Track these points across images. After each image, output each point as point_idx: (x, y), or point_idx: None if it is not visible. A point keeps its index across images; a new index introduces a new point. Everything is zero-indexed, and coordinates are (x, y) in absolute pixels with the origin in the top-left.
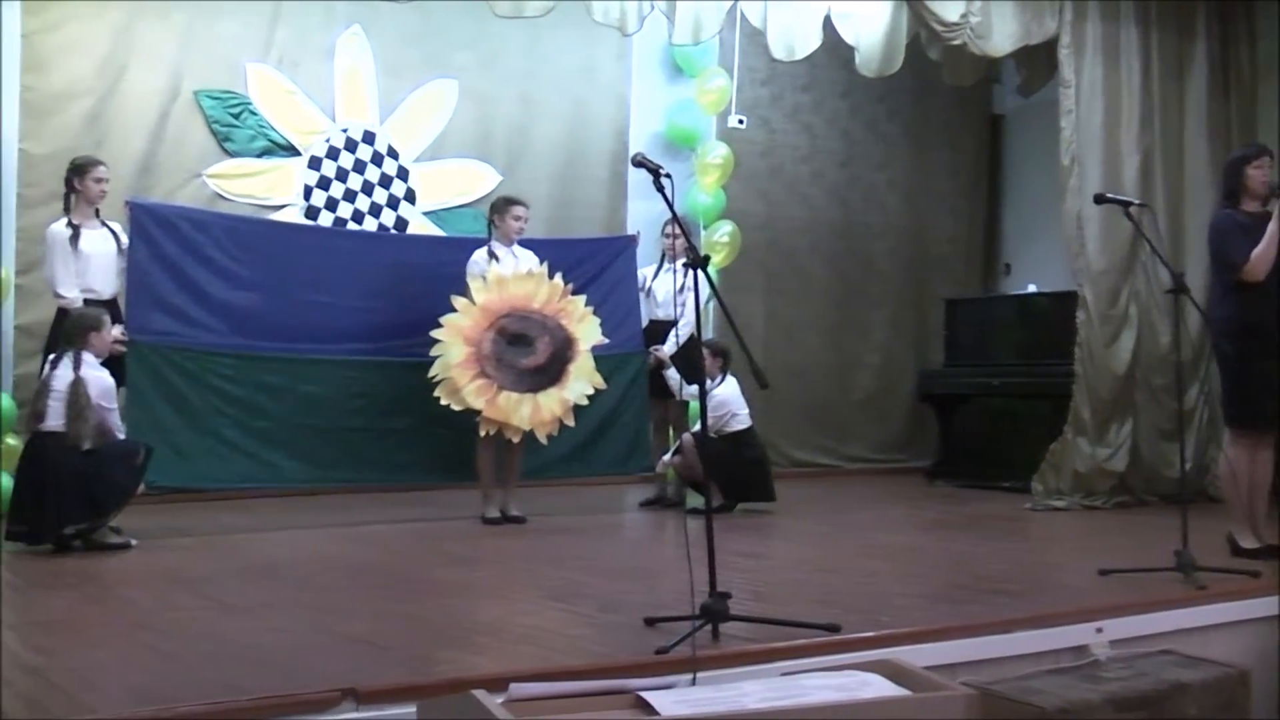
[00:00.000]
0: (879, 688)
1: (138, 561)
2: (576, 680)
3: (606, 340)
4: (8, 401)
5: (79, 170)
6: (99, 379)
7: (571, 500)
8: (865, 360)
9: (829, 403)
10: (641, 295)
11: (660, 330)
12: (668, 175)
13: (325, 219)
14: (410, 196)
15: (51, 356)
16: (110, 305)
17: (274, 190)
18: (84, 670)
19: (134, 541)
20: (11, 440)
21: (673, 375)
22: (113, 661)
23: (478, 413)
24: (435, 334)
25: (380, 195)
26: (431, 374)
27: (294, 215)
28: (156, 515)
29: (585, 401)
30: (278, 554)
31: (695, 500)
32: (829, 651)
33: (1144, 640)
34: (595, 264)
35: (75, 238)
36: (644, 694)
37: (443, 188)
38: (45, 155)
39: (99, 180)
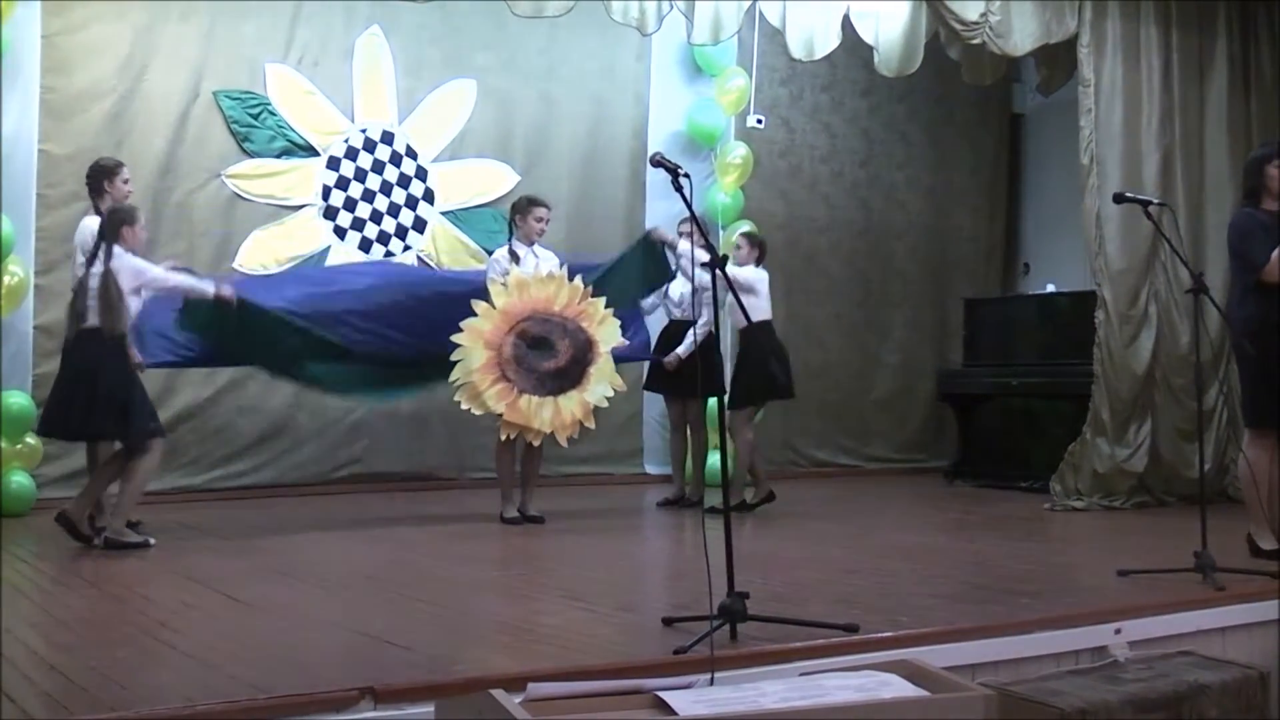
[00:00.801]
0: (898, 688)
1: (158, 560)
2: (594, 680)
3: (626, 342)
4: (26, 401)
5: (108, 172)
6: (129, 264)
7: (591, 500)
8: (885, 360)
9: (849, 403)
10: (657, 297)
11: (680, 331)
12: (686, 175)
13: (344, 219)
14: (429, 196)
15: (86, 257)
16: None
17: (293, 190)
18: (104, 668)
19: (153, 540)
20: (30, 439)
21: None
22: (133, 660)
23: (499, 416)
24: (456, 338)
25: (399, 195)
26: (452, 378)
27: (312, 215)
28: (176, 514)
29: (605, 404)
30: (297, 553)
31: (714, 499)
32: (847, 652)
33: (1163, 641)
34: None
35: None
36: (662, 694)
37: (462, 188)
38: (66, 156)
39: (126, 181)
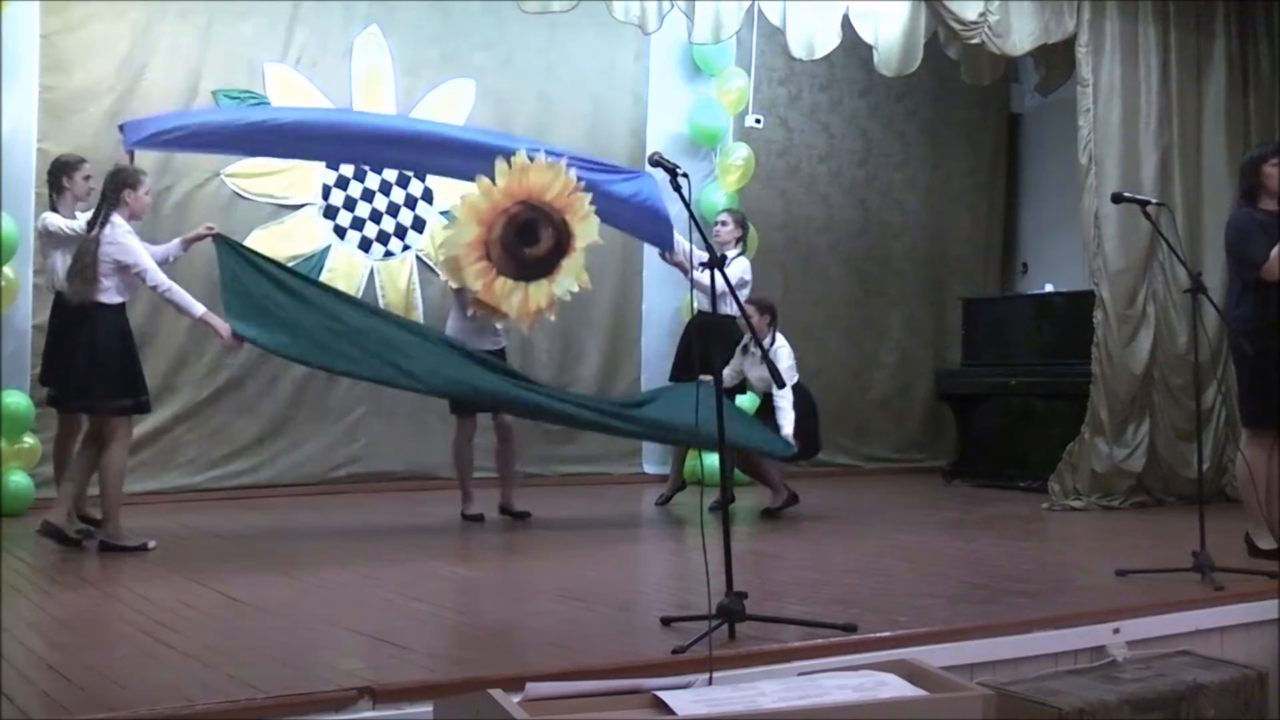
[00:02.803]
0: (896, 688)
1: (156, 560)
2: (593, 680)
3: (601, 241)
4: (25, 401)
5: (67, 168)
6: (125, 245)
7: (590, 500)
8: (883, 360)
9: (847, 402)
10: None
11: (710, 323)
12: (685, 175)
13: (343, 218)
14: (428, 196)
15: (89, 219)
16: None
17: (292, 189)
18: (102, 668)
19: (151, 544)
20: (29, 439)
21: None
22: (132, 660)
23: (474, 292)
24: (452, 209)
25: (398, 194)
26: (439, 247)
27: (312, 214)
28: (175, 514)
29: (569, 297)
30: (296, 553)
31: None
32: (846, 651)
33: (1161, 641)
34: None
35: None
36: (661, 693)
37: (460, 187)
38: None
39: (88, 178)
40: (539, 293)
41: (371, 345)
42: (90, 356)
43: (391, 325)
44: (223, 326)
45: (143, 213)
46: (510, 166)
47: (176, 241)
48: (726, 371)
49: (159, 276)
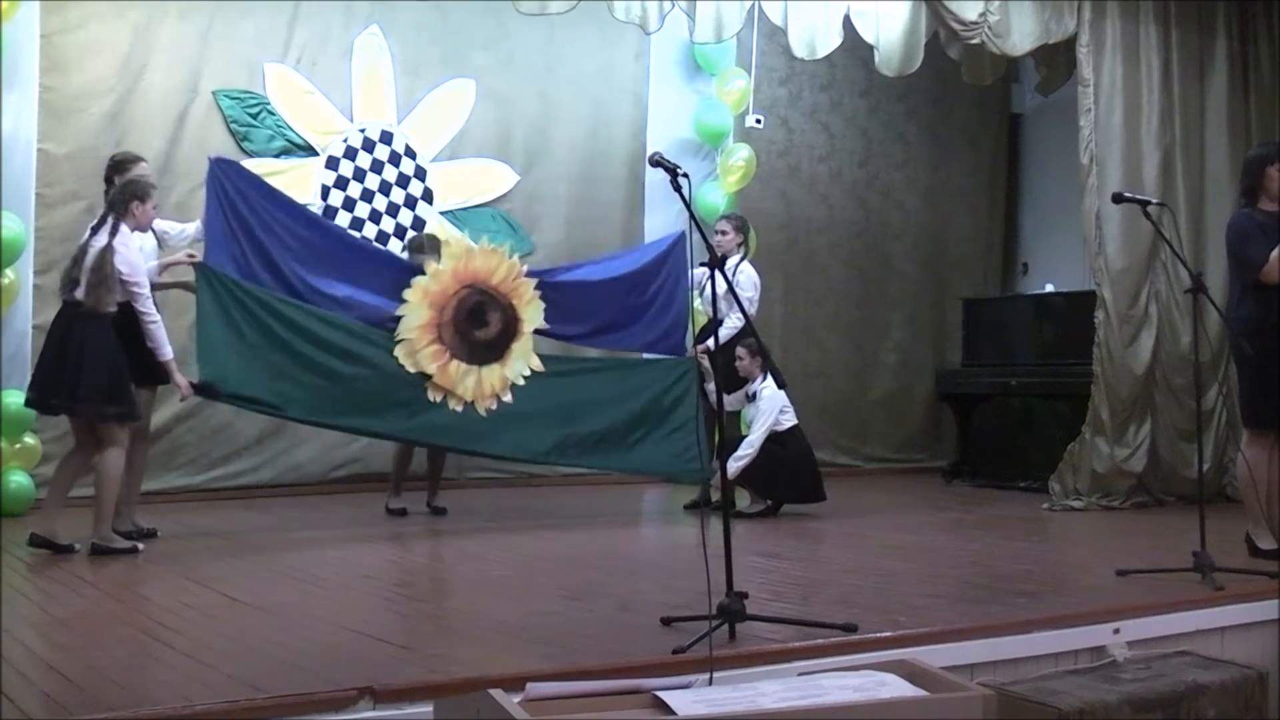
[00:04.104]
0: (896, 688)
1: (156, 560)
2: (593, 680)
3: (547, 326)
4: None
5: (121, 168)
6: (126, 255)
7: (590, 500)
8: (883, 360)
9: (847, 402)
10: (697, 294)
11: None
12: (685, 175)
13: (343, 219)
14: (428, 196)
15: (93, 224)
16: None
17: (292, 190)
18: (103, 668)
19: (141, 546)
20: (30, 439)
21: (711, 388)
22: (132, 660)
23: (428, 377)
24: (405, 294)
25: (398, 195)
26: (395, 333)
27: None
28: (175, 514)
29: (522, 381)
30: (296, 553)
31: (742, 501)
32: (846, 651)
33: (1162, 641)
34: (651, 264)
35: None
36: (661, 694)
37: (461, 187)
38: (64, 155)
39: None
40: (492, 376)
41: (355, 397)
42: (79, 361)
43: (381, 355)
44: (182, 382)
45: (147, 226)
46: (455, 253)
47: (155, 264)
48: (729, 397)
49: (150, 304)
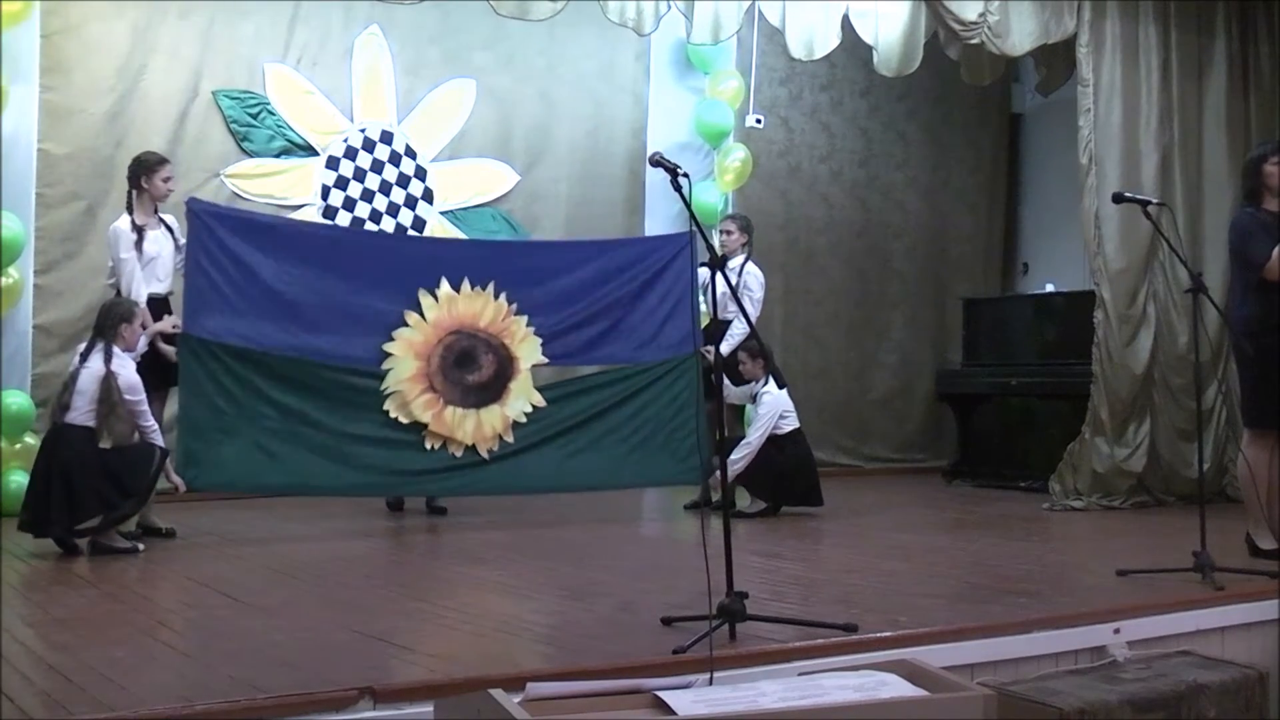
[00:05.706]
0: (896, 688)
1: (157, 560)
2: (594, 680)
3: (545, 360)
4: (25, 401)
5: (147, 167)
6: (126, 376)
7: (590, 499)
8: (883, 360)
9: (847, 402)
10: (703, 295)
11: (720, 330)
12: (685, 175)
13: (343, 219)
14: (428, 196)
15: (82, 349)
16: (163, 303)
17: (292, 190)
18: (103, 668)
19: (141, 546)
20: (30, 439)
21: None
22: (131, 659)
23: (424, 426)
24: (388, 348)
25: (398, 195)
26: (383, 387)
27: (312, 215)
28: (175, 514)
29: (524, 419)
30: (296, 553)
31: (742, 501)
32: (846, 651)
33: (1162, 641)
34: (653, 263)
35: (140, 240)
36: (661, 694)
37: (461, 187)
38: (65, 155)
39: (167, 179)
40: (491, 417)
41: (351, 463)
42: (66, 480)
43: (373, 415)
44: (177, 480)
45: (135, 346)
46: (436, 300)
47: (143, 337)
48: (735, 390)
49: (150, 418)
